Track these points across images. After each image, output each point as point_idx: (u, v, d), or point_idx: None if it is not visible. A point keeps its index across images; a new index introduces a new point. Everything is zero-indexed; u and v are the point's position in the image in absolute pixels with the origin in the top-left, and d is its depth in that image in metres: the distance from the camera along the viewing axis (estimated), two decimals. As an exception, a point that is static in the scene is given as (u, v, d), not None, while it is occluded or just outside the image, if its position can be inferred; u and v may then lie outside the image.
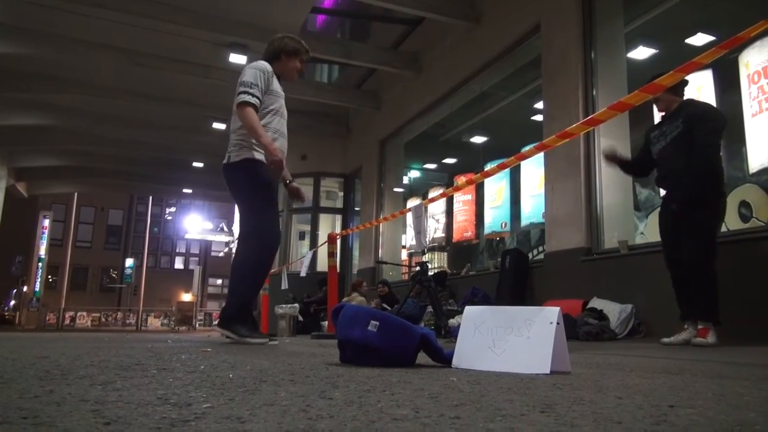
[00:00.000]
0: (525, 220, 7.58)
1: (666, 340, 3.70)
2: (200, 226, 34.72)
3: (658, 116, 5.34)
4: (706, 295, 3.48)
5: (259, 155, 3.52)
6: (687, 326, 3.64)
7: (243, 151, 3.54)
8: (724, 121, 3.74)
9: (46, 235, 29.72)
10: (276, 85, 3.69)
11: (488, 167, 8.01)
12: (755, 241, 4.20)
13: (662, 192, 4.05)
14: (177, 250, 46.30)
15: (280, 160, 3.43)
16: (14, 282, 35.44)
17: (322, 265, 8.33)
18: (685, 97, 3.89)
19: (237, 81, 3.60)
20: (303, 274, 7.63)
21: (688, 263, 3.54)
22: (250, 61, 9.77)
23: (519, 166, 7.23)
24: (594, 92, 5.93)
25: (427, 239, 9.47)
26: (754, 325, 3.82)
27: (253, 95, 3.48)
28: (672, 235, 3.75)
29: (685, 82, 3.85)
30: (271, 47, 3.80)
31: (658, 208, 4.02)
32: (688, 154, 3.61)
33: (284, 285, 8.62)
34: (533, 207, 7.30)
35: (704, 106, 3.88)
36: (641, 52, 6.81)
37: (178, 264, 45.87)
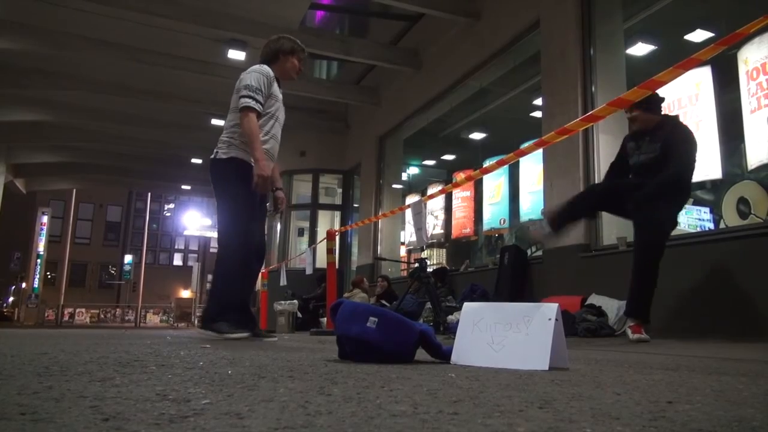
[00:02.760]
0: (524, 216, 7.58)
1: (532, 228, 3.73)
2: (199, 222, 34.75)
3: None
4: (646, 294, 3.50)
5: (248, 157, 3.54)
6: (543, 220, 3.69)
7: (232, 149, 3.56)
8: (696, 149, 3.70)
9: (44, 232, 29.68)
10: (276, 88, 3.72)
11: (487, 164, 8.03)
12: (754, 237, 4.21)
13: None
14: (176, 247, 46.29)
15: (267, 177, 3.43)
16: (13, 278, 35.42)
17: (321, 261, 8.33)
18: (664, 113, 3.84)
19: (238, 81, 3.64)
20: (309, 271, 7.63)
21: (635, 262, 3.54)
22: (248, 57, 9.83)
23: (518, 162, 7.23)
24: (593, 88, 5.92)
25: (427, 236, 9.48)
26: (755, 321, 3.83)
27: (257, 102, 3.51)
28: (611, 195, 3.76)
29: (662, 100, 3.80)
30: (267, 49, 3.84)
31: None
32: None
33: (283, 281, 8.63)
34: (532, 203, 7.31)
35: (682, 132, 3.77)
36: (640, 49, 6.81)
37: (177, 260, 45.87)
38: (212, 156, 3.65)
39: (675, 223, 3.71)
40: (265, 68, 3.67)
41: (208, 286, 42.81)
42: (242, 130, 3.49)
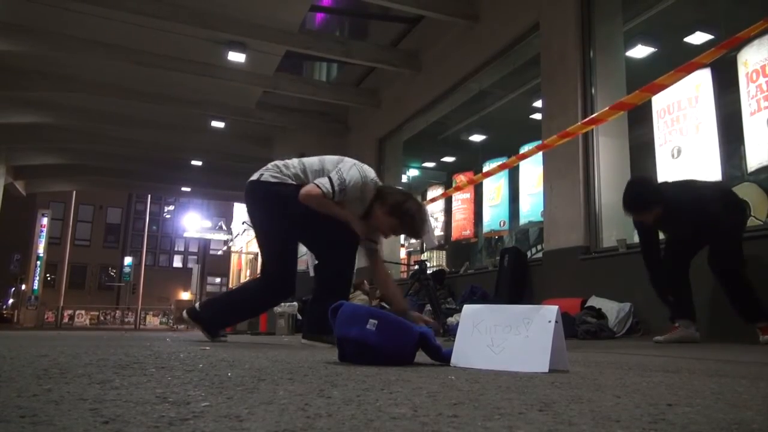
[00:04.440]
0: (524, 218, 7.59)
1: (659, 338, 3.72)
2: (199, 224, 34.79)
3: (657, 122, 5.40)
4: (751, 297, 3.49)
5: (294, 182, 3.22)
6: (678, 324, 3.69)
7: (280, 176, 3.22)
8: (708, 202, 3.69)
9: (44, 234, 29.72)
10: (353, 196, 3.19)
11: (486, 166, 8.03)
12: (754, 239, 4.20)
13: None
14: (175, 249, 46.31)
15: (363, 230, 3.21)
16: (13, 280, 35.40)
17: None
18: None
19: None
20: (312, 274, 7.62)
21: (720, 273, 3.56)
22: (248, 59, 9.80)
23: (518, 164, 7.23)
24: (593, 91, 5.93)
25: (435, 236, 9.46)
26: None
27: (333, 193, 3.08)
28: (687, 251, 3.79)
29: (651, 195, 3.72)
30: (390, 191, 3.31)
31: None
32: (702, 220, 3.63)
33: None
34: (532, 205, 7.31)
35: (691, 202, 3.71)
36: (640, 51, 6.82)
37: (177, 262, 45.88)
38: (254, 177, 3.32)
39: (741, 233, 3.75)
40: (370, 180, 3.19)
41: (208, 288, 42.91)
42: (310, 203, 3.11)
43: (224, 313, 3.53)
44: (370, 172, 3.23)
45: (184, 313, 3.48)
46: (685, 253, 3.79)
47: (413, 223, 3.22)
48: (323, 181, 3.10)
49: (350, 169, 3.17)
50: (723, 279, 3.57)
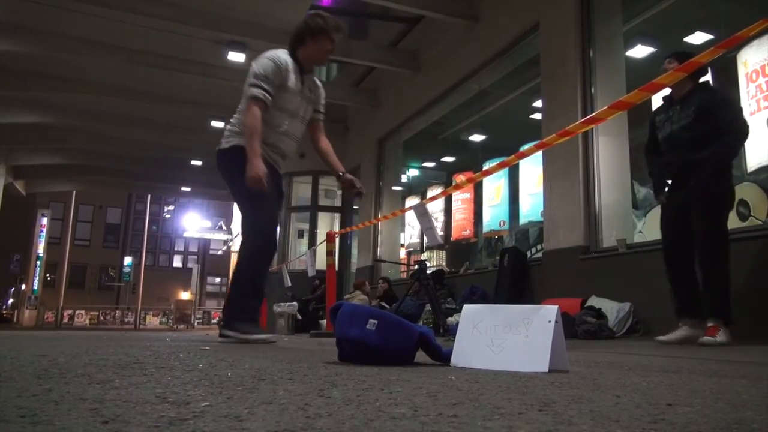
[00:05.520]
0: (523, 218, 7.58)
1: (662, 338, 3.71)
2: (199, 224, 34.78)
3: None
4: (717, 292, 3.40)
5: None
6: (682, 324, 3.66)
7: (234, 138, 3.34)
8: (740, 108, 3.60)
9: (44, 234, 29.69)
10: (292, 80, 3.40)
11: (486, 166, 8.02)
12: (754, 239, 4.21)
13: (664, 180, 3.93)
14: (175, 249, 46.27)
15: (258, 177, 3.14)
16: (12, 280, 35.39)
17: (321, 263, 8.34)
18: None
19: (239, 79, 3.54)
20: (312, 273, 7.64)
21: (701, 258, 3.44)
22: (248, 59, 9.79)
23: (518, 164, 7.23)
24: (593, 90, 5.93)
25: (440, 234, 9.45)
26: (753, 324, 3.83)
27: (264, 91, 3.24)
28: (677, 228, 3.66)
29: (705, 71, 3.62)
30: (293, 32, 3.46)
31: (659, 205, 3.98)
32: (700, 144, 3.44)
33: (287, 283, 8.63)
34: (532, 205, 7.31)
35: (720, 94, 3.58)
36: (640, 51, 6.82)
37: (177, 262, 45.83)
38: (217, 147, 3.45)
39: (727, 207, 3.51)
40: (279, 55, 3.33)
41: (207, 288, 42.90)
42: (243, 120, 3.28)
43: (248, 301, 3.41)
44: (276, 52, 3.37)
45: (221, 337, 3.35)
46: (680, 240, 3.66)
47: (325, 25, 3.40)
48: (249, 92, 3.25)
49: (259, 60, 3.33)
50: (702, 260, 3.42)
